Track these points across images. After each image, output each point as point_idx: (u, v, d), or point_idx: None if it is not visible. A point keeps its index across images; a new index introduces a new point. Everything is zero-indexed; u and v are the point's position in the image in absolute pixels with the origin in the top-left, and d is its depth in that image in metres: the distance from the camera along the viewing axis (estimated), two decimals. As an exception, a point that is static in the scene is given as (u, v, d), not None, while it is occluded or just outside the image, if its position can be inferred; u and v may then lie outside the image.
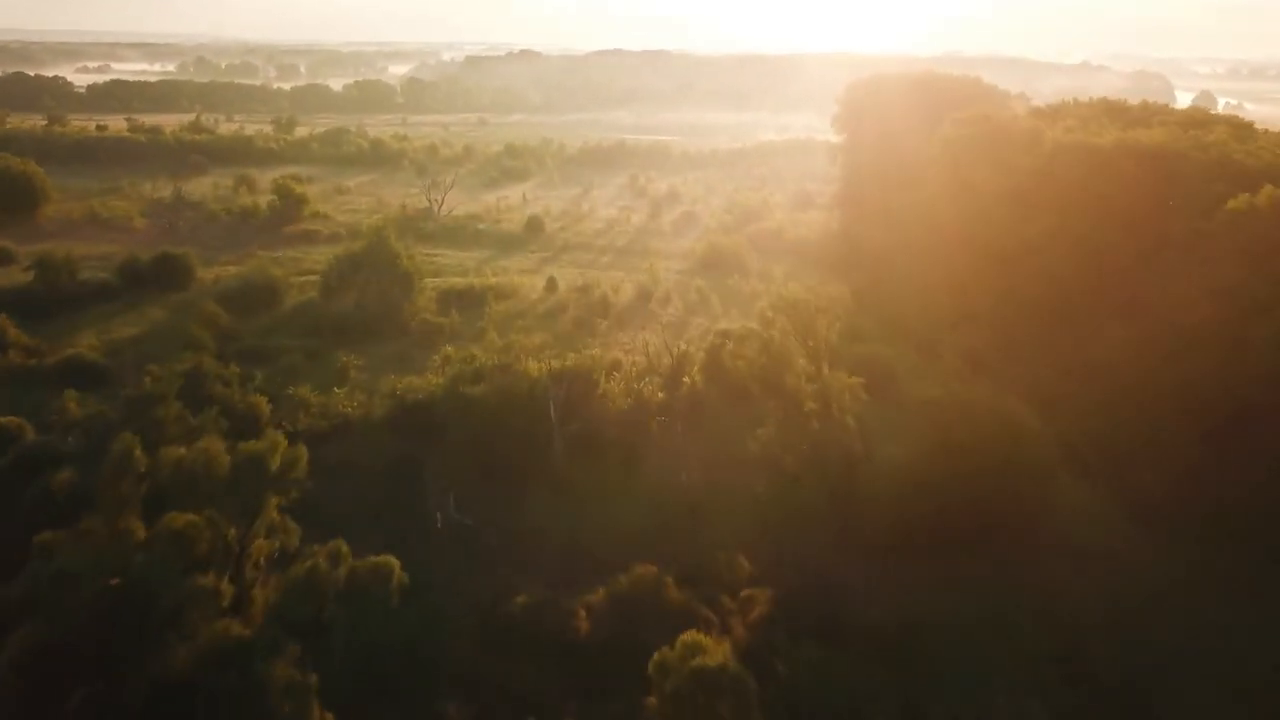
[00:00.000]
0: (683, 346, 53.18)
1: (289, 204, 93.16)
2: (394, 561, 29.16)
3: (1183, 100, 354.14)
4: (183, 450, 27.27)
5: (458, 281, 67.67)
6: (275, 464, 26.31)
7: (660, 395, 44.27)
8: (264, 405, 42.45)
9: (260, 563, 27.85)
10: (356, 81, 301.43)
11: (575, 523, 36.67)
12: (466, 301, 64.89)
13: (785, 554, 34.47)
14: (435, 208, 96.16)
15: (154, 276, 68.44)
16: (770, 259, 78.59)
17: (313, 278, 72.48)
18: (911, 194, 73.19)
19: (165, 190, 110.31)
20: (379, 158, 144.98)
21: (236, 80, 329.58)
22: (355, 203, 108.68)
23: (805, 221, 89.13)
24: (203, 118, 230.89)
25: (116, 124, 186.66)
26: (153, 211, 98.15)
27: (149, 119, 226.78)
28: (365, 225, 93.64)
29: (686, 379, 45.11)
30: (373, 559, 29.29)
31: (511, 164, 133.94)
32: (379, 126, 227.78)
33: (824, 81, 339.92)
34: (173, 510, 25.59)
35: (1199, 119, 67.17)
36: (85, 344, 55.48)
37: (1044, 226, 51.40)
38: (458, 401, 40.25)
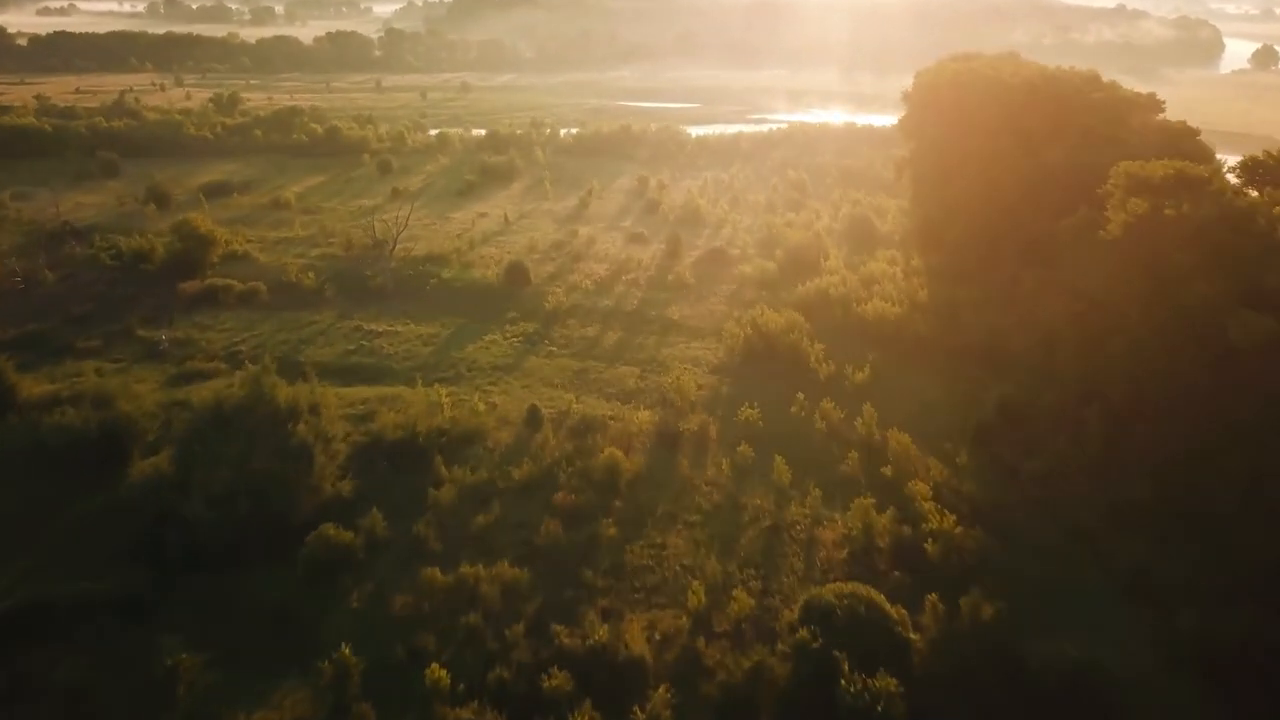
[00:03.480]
0: (748, 619, 32.06)
1: (192, 247, 70.48)
2: None
3: (1236, 51, 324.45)
4: None
5: (395, 422, 45.59)
6: None
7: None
8: None
9: None
10: (329, 34, 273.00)
11: None
12: (404, 460, 43.25)
13: None
14: (388, 247, 73.68)
15: (-51, 407, 46.77)
16: (840, 347, 56.65)
17: (201, 389, 51.06)
18: (1049, 276, 51.13)
19: (61, 204, 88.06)
20: (335, 149, 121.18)
21: (200, 28, 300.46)
22: (291, 227, 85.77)
23: (877, 278, 66.66)
24: (151, 81, 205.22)
25: (38, 92, 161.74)
26: (21, 252, 75.66)
27: (88, 81, 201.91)
28: (293, 271, 71.91)
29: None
30: None
31: (493, 161, 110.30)
32: (350, 91, 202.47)
33: (837, 32, 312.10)
34: None
35: None
36: None
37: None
38: None
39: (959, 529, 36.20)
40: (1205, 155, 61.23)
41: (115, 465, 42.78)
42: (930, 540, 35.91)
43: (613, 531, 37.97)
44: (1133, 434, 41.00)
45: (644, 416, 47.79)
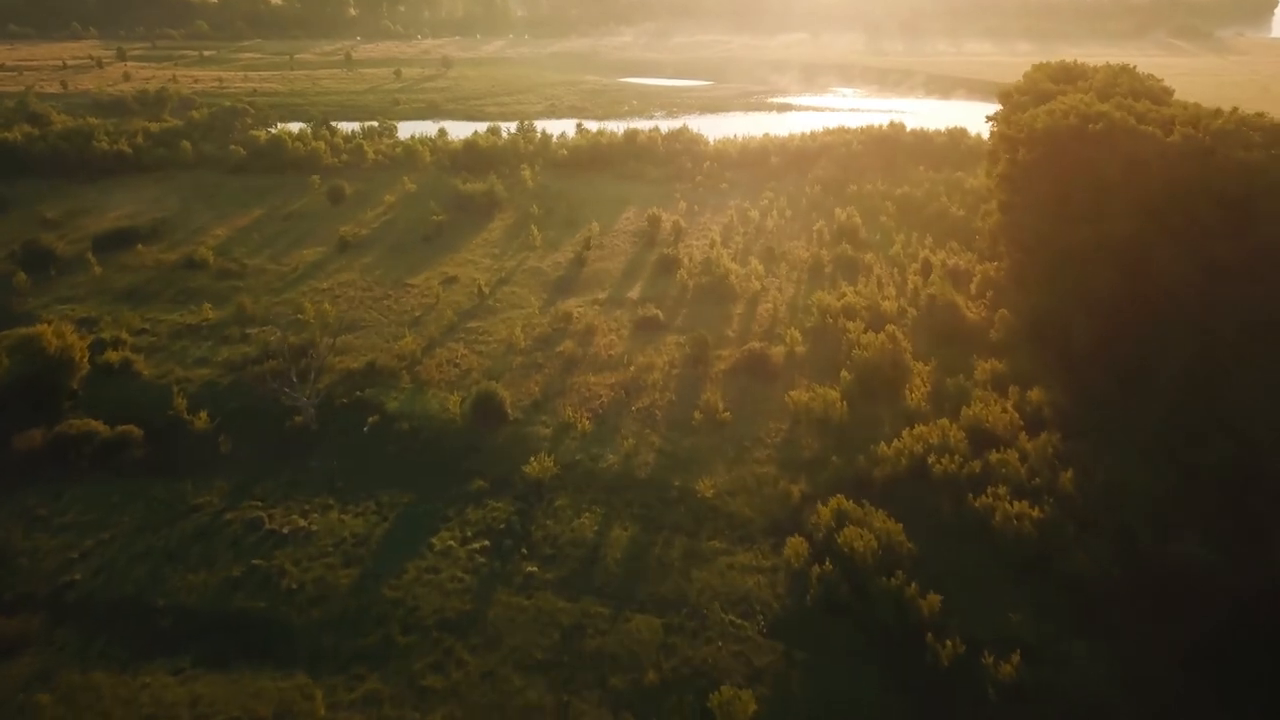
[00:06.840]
0: None
1: (40, 374, 51.22)
2: None
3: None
4: None
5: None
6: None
7: None
8: None
9: None
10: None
11: None
12: None
13: None
14: (314, 360, 54.56)
15: None
16: (959, 580, 38.11)
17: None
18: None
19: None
20: (278, 164, 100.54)
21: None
22: (198, 306, 66.04)
23: (990, 431, 47.60)
24: (90, 54, 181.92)
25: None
26: None
27: (19, 54, 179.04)
28: (183, 400, 52.84)
29: None
30: None
31: (469, 189, 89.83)
32: (315, 67, 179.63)
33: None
34: None
35: None
36: None
37: None
38: None
39: None
40: None
41: None
42: None
43: None
44: None
45: (676, 784, 29.37)
